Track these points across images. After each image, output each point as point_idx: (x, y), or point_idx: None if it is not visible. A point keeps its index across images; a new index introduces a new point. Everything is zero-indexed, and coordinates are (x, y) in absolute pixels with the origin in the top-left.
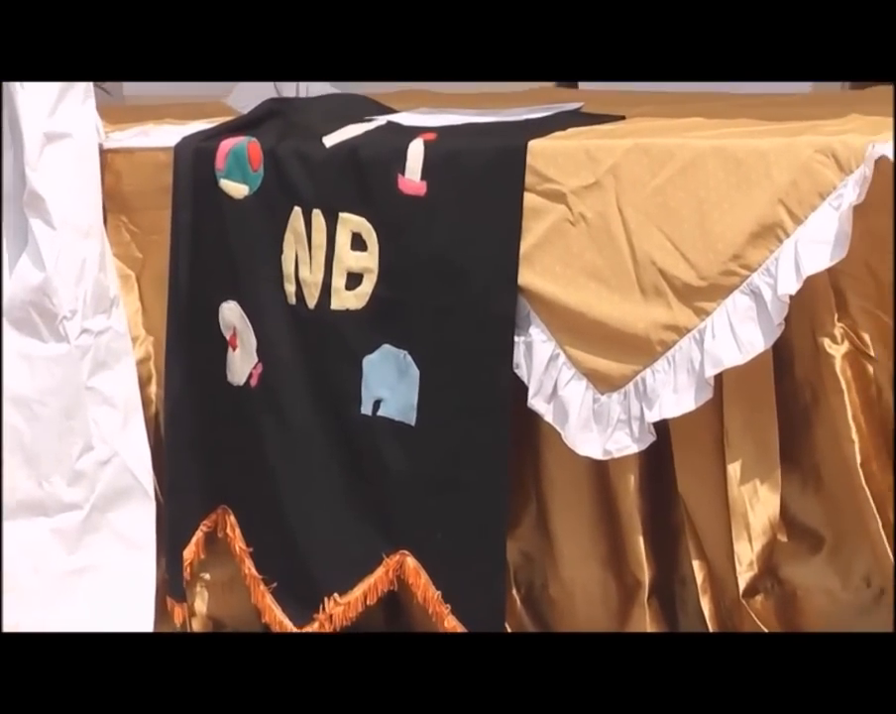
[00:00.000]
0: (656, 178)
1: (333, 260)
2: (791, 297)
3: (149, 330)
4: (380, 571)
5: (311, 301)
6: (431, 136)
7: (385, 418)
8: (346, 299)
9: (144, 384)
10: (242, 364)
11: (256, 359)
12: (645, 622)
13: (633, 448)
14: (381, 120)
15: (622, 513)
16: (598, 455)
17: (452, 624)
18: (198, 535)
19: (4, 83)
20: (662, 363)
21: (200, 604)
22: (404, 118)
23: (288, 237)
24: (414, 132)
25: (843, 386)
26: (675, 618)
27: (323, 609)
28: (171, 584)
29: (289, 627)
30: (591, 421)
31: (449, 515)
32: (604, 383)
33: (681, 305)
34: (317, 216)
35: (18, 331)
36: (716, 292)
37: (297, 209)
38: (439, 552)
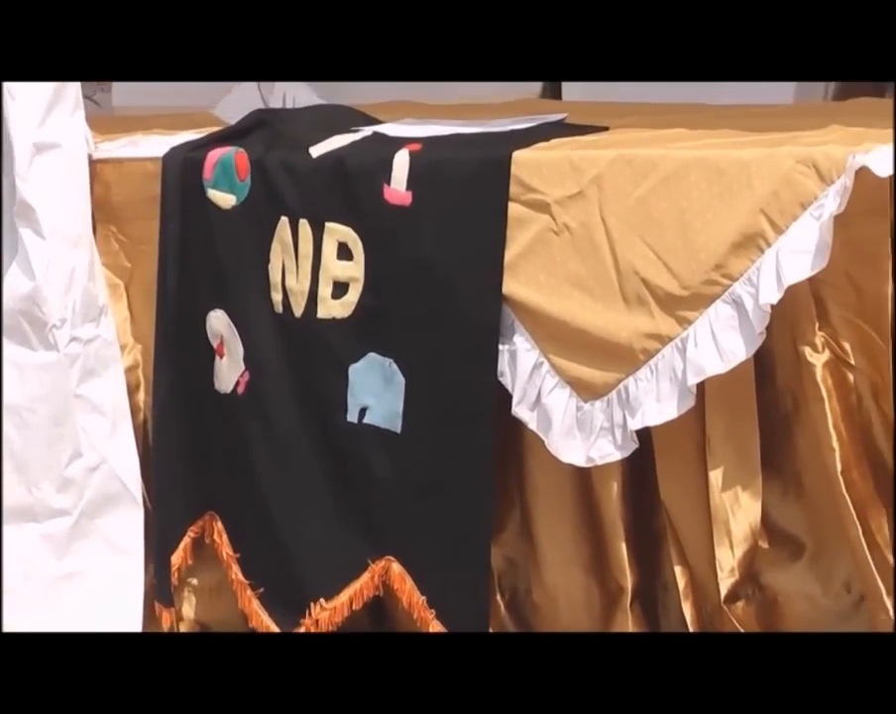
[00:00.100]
0: (639, 188)
1: (319, 269)
2: (772, 306)
3: (137, 338)
4: (365, 577)
5: (298, 310)
6: (416, 146)
7: (370, 426)
8: (332, 308)
9: (132, 391)
10: (229, 372)
11: (243, 367)
12: (628, 627)
13: (616, 456)
14: (366, 131)
15: (605, 519)
16: (581, 462)
17: (436, 628)
18: (186, 540)
19: None
20: (645, 371)
21: (188, 609)
22: (390, 129)
23: (275, 246)
24: (400, 142)
25: (824, 394)
26: (657, 623)
27: (309, 614)
28: (159, 589)
29: (276, 631)
30: (574, 429)
31: (434, 521)
32: (587, 391)
33: (663, 315)
34: (304, 226)
35: (8, 339)
36: (698, 301)
37: (284, 219)
38: (424, 558)
